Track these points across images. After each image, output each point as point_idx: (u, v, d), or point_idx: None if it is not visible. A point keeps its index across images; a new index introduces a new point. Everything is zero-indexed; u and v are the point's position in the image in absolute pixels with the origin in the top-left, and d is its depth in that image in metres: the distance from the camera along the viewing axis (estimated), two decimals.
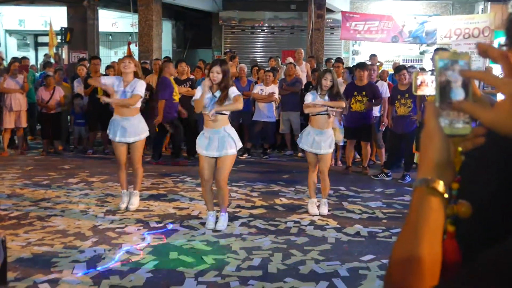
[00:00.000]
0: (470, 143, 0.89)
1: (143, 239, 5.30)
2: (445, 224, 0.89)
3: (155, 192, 7.26)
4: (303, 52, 12.65)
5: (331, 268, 4.60)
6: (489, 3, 15.59)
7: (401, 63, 12.36)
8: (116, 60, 10.72)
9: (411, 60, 16.30)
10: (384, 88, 9.35)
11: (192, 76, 10.88)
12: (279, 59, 13.05)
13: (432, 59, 8.23)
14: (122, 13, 17.42)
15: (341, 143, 9.30)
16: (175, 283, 4.23)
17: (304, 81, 10.97)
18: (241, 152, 8.85)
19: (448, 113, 0.86)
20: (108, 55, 19.13)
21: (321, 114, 6.23)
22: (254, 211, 6.40)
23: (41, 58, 18.02)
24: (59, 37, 15.01)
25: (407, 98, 8.17)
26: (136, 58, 13.23)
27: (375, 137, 9.13)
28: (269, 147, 10.84)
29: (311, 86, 9.47)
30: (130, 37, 17.30)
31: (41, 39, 20.35)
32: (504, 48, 0.99)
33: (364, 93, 8.63)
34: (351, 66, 12.05)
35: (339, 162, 9.62)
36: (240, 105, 5.52)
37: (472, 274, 0.77)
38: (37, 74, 13.27)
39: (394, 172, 8.60)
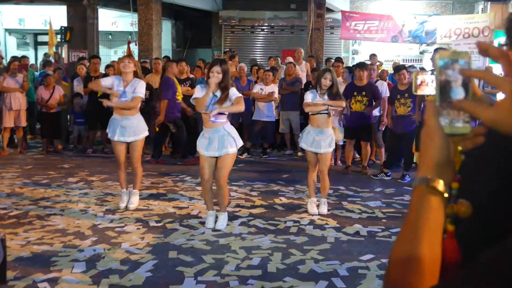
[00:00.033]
0: (470, 142, 0.89)
1: (143, 238, 5.30)
2: (445, 223, 0.89)
3: (154, 192, 7.26)
4: (303, 51, 12.66)
5: (331, 268, 4.60)
6: (489, 3, 15.58)
7: (401, 63, 12.37)
8: (116, 59, 10.71)
9: (411, 59, 16.31)
10: (384, 88, 9.35)
11: (191, 76, 10.89)
12: (278, 58, 13.05)
13: (432, 59, 8.23)
14: (121, 12, 17.42)
15: (341, 143, 9.30)
16: (174, 282, 4.23)
17: (304, 80, 10.97)
18: (240, 151, 8.86)
19: (448, 112, 0.86)
20: (108, 54, 19.13)
21: (321, 114, 6.23)
22: (254, 211, 6.40)
23: (40, 57, 18.01)
24: (58, 36, 15.02)
25: (407, 98, 8.18)
26: (136, 57, 13.26)
27: (375, 136, 9.13)
28: (269, 147, 10.84)
29: (310, 86, 9.47)
30: (130, 36, 17.30)
31: (41, 38, 20.36)
32: (504, 47, 0.99)
33: (364, 93, 8.63)
34: (351, 65, 12.04)
35: (339, 161, 9.63)
36: (242, 107, 5.52)
37: (472, 273, 0.77)
38: (37, 73, 13.26)
39: (393, 171, 8.61)
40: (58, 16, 15.72)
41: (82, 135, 10.87)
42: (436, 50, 8.38)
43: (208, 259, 4.73)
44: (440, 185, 0.87)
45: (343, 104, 6.38)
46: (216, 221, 5.67)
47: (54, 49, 15.31)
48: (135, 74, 6.29)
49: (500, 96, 7.86)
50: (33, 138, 12.12)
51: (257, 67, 11.50)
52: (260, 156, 10.39)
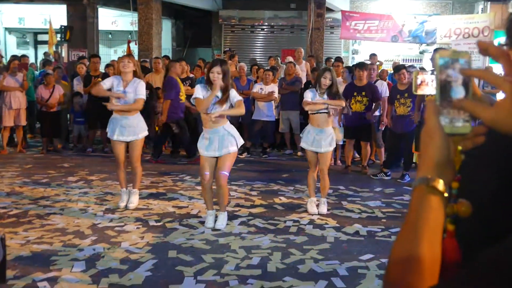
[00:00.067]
0: (470, 142, 0.89)
1: (142, 237, 5.30)
2: (445, 223, 0.89)
3: (154, 191, 7.26)
4: (303, 51, 12.66)
5: (330, 267, 4.60)
6: (489, 3, 15.58)
7: (401, 63, 12.37)
8: (116, 59, 10.72)
9: (410, 59, 16.30)
10: (383, 88, 9.35)
11: (191, 75, 10.89)
12: (278, 58, 13.06)
13: (432, 58, 8.23)
14: (121, 12, 17.42)
15: (340, 143, 9.30)
16: (174, 281, 4.24)
17: (304, 80, 10.97)
18: (240, 151, 8.86)
19: (449, 111, 0.86)
20: (108, 54, 19.12)
21: (321, 113, 6.23)
22: (254, 210, 6.40)
23: (40, 56, 18.01)
24: (58, 35, 15.01)
25: (407, 98, 8.17)
26: (136, 57, 13.27)
27: (375, 136, 9.13)
28: (269, 146, 10.84)
29: (310, 86, 9.46)
30: (129, 36, 17.31)
31: (41, 37, 20.34)
32: (505, 47, 0.99)
33: (363, 93, 8.63)
34: (351, 65, 12.04)
35: (339, 161, 9.63)
36: (242, 111, 5.55)
37: (472, 273, 0.77)
38: (37, 73, 13.26)
39: (393, 171, 8.61)
40: (58, 15, 15.72)
41: (82, 134, 10.87)
42: (435, 50, 8.38)
43: (207, 259, 4.73)
44: (440, 184, 0.87)
45: (343, 103, 6.38)
46: (215, 221, 5.67)
47: (54, 48, 15.30)
48: (135, 74, 6.29)
49: (500, 96, 7.86)
50: (33, 137, 12.13)
51: (257, 67, 11.50)
52: (260, 156, 10.39)
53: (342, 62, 10.82)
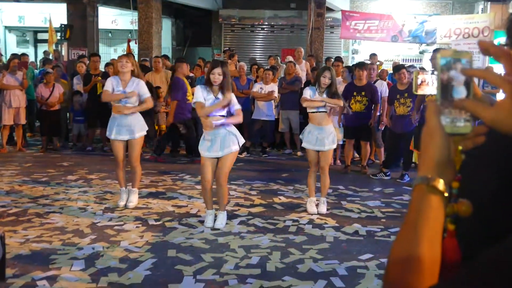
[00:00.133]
0: (470, 142, 0.89)
1: (142, 236, 5.30)
2: (445, 222, 0.89)
3: (154, 190, 7.26)
4: (302, 50, 12.66)
5: (330, 267, 4.60)
6: (489, 3, 15.58)
7: (401, 63, 12.37)
8: (116, 58, 10.74)
9: (410, 59, 16.31)
10: (383, 88, 9.35)
11: (191, 74, 10.89)
12: (278, 57, 13.06)
13: (431, 59, 8.24)
14: (122, 11, 17.42)
15: (340, 142, 9.30)
16: (173, 280, 4.24)
17: (304, 80, 10.97)
18: (240, 150, 8.86)
19: (450, 111, 0.86)
20: (108, 53, 19.14)
21: (320, 112, 6.23)
22: (253, 210, 6.40)
23: (40, 55, 18.02)
24: (58, 34, 15.01)
25: (406, 98, 8.17)
26: (136, 56, 13.28)
27: (374, 136, 9.13)
28: (268, 146, 10.84)
29: (310, 85, 9.46)
30: (129, 35, 17.32)
31: (41, 36, 20.35)
32: (505, 47, 0.99)
33: (363, 93, 8.63)
34: (351, 65, 12.05)
35: (338, 161, 9.62)
36: (241, 119, 5.65)
37: (472, 273, 0.77)
38: (37, 71, 13.26)
39: (393, 171, 8.61)
40: (58, 14, 15.72)
41: (82, 133, 10.87)
42: (435, 50, 8.39)
43: (207, 258, 4.73)
44: (441, 184, 0.87)
45: (340, 103, 6.35)
46: (215, 220, 5.67)
47: (54, 47, 15.31)
48: (133, 73, 6.31)
49: (500, 96, 7.86)
50: (32, 136, 12.12)
51: (257, 66, 11.50)
52: (259, 155, 10.39)
53: (342, 62, 10.82)
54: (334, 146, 6.38)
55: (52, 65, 11.79)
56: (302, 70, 11.70)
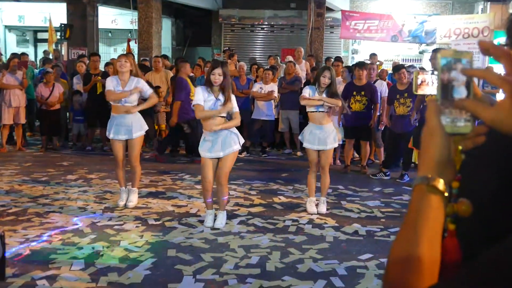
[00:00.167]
0: (470, 141, 0.89)
1: (141, 236, 5.30)
2: (445, 222, 0.89)
3: (153, 190, 7.26)
4: (302, 50, 12.67)
5: (329, 267, 4.60)
6: (489, 3, 15.59)
7: (401, 63, 12.37)
8: (116, 58, 10.74)
9: (410, 59, 16.31)
10: (383, 88, 9.35)
11: (191, 74, 10.88)
12: (278, 57, 13.06)
13: (431, 59, 8.24)
14: (121, 10, 17.42)
15: (340, 142, 9.30)
16: (173, 280, 4.24)
17: (304, 79, 10.97)
18: (240, 150, 8.86)
19: (450, 111, 0.86)
20: (108, 52, 19.13)
21: (319, 112, 6.22)
22: (253, 209, 6.40)
23: (40, 55, 18.02)
24: (58, 33, 15.01)
25: (406, 98, 8.17)
26: (136, 55, 13.28)
27: (374, 136, 9.13)
28: (268, 146, 10.84)
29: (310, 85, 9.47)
30: (129, 34, 17.31)
31: (41, 35, 20.34)
32: (505, 47, 0.99)
33: (363, 92, 8.63)
34: (351, 65, 12.05)
35: (338, 161, 9.62)
36: (239, 122, 5.67)
37: (472, 273, 0.77)
38: (36, 71, 13.26)
39: (392, 171, 8.61)
40: (58, 14, 15.71)
41: (82, 132, 10.87)
42: (435, 50, 8.38)
43: (206, 258, 4.73)
44: (441, 184, 0.87)
45: (339, 103, 6.32)
46: (215, 220, 5.67)
47: (53, 46, 15.31)
48: (131, 73, 6.33)
49: (500, 96, 7.86)
50: (32, 136, 12.12)
51: (256, 66, 11.50)
52: (259, 155, 10.39)
53: (342, 62, 10.83)
54: (336, 144, 6.41)
55: (52, 64, 11.78)
56: (302, 70, 11.70)
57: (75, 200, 6.60)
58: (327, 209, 6.39)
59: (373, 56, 12.40)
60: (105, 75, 9.41)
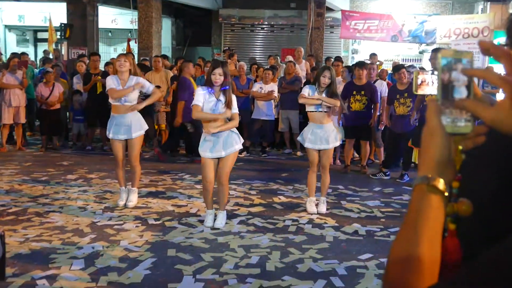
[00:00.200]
0: (470, 141, 0.89)
1: (141, 236, 5.30)
2: (446, 222, 0.89)
3: (153, 189, 7.26)
4: (302, 50, 12.67)
5: (329, 267, 4.60)
6: (489, 3, 15.59)
7: (401, 63, 12.37)
8: (115, 57, 10.74)
9: (410, 59, 16.31)
10: (383, 88, 9.35)
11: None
12: (278, 57, 13.06)
13: (430, 59, 8.24)
14: (121, 10, 17.42)
15: (340, 142, 9.29)
16: (173, 280, 4.24)
17: (304, 79, 10.97)
18: (240, 150, 8.87)
19: (451, 111, 0.86)
20: (108, 52, 19.13)
21: (318, 111, 6.22)
22: (253, 209, 6.40)
23: (40, 54, 18.01)
24: (58, 33, 15.01)
25: (406, 98, 8.17)
26: (136, 55, 13.28)
27: (374, 136, 9.13)
28: (268, 146, 10.84)
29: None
30: (129, 34, 17.31)
31: (41, 35, 20.35)
32: (505, 47, 0.99)
33: (362, 92, 8.63)
34: (351, 65, 12.05)
35: (338, 161, 9.62)
36: (237, 124, 5.63)
37: (472, 273, 0.77)
38: (36, 70, 13.25)
39: (392, 171, 8.61)
40: (58, 13, 15.72)
41: (82, 132, 10.87)
42: (434, 50, 8.38)
43: (206, 258, 4.73)
44: (441, 184, 0.87)
45: (337, 103, 6.30)
46: (215, 220, 5.67)
47: (53, 46, 15.31)
48: (130, 72, 6.34)
49: (500, 96, 7.86)
50: (32, 135, 12.12)
51: (256, 66, 11.50)
52: (259, 155, 10.39)
53: (342, 62, 10.83)
54: (338, 143, 6.43)
55: (51, 64, 11.78)
56: (302, 70, 11.70)
57: (75, 200, 6.60)
58: (327, 209, 6.39)
59: (373, 56, 12.40)
60: (105, 74, 9.41)
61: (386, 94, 8.98)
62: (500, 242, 0.77)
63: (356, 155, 9.85)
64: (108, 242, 5.06)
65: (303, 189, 7.23)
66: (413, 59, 16.37)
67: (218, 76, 5.37)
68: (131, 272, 4.36)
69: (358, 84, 8.70)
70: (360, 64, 9.00)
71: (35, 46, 21.11)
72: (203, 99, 5.43)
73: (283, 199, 6.96)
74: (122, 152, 6.39)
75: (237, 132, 5.64)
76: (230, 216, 6.00)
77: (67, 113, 11.50)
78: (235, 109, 5.53)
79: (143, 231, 5.45)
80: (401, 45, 16.41)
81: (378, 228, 5.79)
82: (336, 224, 5.89)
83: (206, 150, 5.51)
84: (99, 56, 11.10)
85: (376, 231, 5.67)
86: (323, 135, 6.19)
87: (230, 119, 5.51)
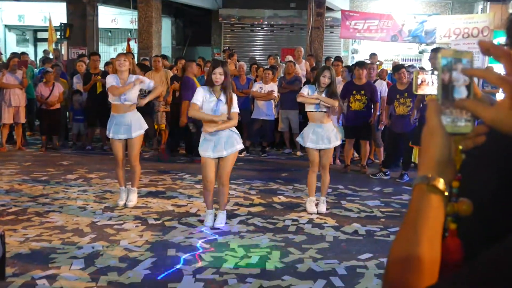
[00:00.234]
0: (471, 141, 0.90)
1: (141, 235, 5.30)
2: (446, 222, 0.89)
3: (153, 189, 7.26)
4: (302, 50, 12.66)
5: (329, 267, 4.60)
6: (488, 3, 15.59)
7: (400, 62, 12.37)
8: (115, 57, 10.74)
9: (410, 59, 16.31)
10: (383, 88, 9.35)
11: None
12: (278, 57, 13.06)
13: (430, 58, 8.24)
14: (121, 10, 17.42)
15: (340, 142, 9.28)
16: (173, 280, 4.24)
17: (304, 79, 10.97)
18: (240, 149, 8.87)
19: (451, 111, 0.86)
20: (108, 52, 19.12)
21: (318, 111, 6.22)
22: (253, 209, 6.40)
23: (40, 54, 18.01)
24: (58, 33, 15.01)
25: (406, 98, 8.17)
26: (136, 55, 13.27)
27: (374, 136, 9.14)
28: (268, 145, 10.84)
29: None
30: (129, 34, 17.32)
31: (41, 35, 20.35)
32: (505, 47, 0.99)
33: (362, 92, 8.63)
34: (351, 65, 12.05)
35: (338, 160, 9.62)
36: (236, 123, 5.62)
37: (472, 273, 0.77)
38: (36, 70, 13.25)
39: (392, 171, 8.61)
40: (57, 13, 15.72)
41: (81, 132, 10.87)
42: (434, 50, 8.38)
43: (206, 257, 4.73)
44: (441, 183, 0.87)
45: (335, 103, 6.29)
46: (215, 219, 5.67)
47: (53, 46, 15.31)
48: (130, 71, 6.36)
49: (500, 96, 7.85)
50: (32, 135, 12.12)
51: (256, 66, 11.50)
52: (259, 155, 10.39)
53: (342, 62, 10.83)
54: (338, 142, 6.43)
55: (51, 64, 11.78)
56: (302, 69, 11.69)
57: (75, 200, 6.60)
58: (327, 209, 6.39)
59: (373, 56, 12.40)
60: (105, 74, 9.40)
61: (386, 94, 8.98)
62: (500, 242, 0.77)
63: (356, 155, 9.85)
64: (108, 242, 5.06)
65: (303, 189, 7.23)
66: (413, 59, 16.37)
67: (218, 76, 5.37)
68: (131, 272, 4.36)
69: (358, 84, 8.70)
70: (360, 64, 8.99)
71: (35, 46, 21.11)
72: (202, 99, 5.42)
73: (283, 199, 6.96)
74: (122, 152, 6.39)
75: (238, 132, 5.64)
76: (230, 216, 6.00)
77: (67, 113, 11.50)
78: (235, 108, 5.52)
79: (143, 231, 5.45)
80: (401, 45, 16.41)
81: (378, 228, 5.79)
82: (336, 224, 5.89)
83: (207, 149, 5.50)
84: (99, 56, 11.10)
85: (376, 231, 5.67)
86: (324, 135, 6.20)
87: (229, 118, 5.50)
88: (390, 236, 5.51)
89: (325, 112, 6.23)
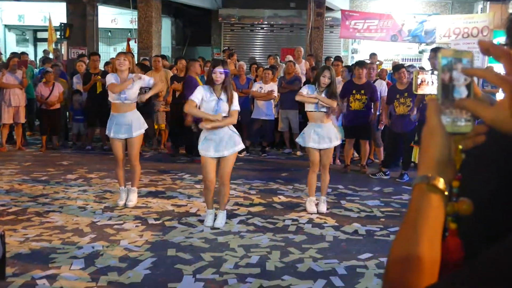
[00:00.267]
0: (471, 141, 0.90)
1: (141, 235, 5.30)
2: (447, 222, 0.89)
3: (153, 189, 7.26)
4: (302, 50, 12.66)
5: (329, 266, 4.60)
6: (488, 2, 15.59)
7: (400, 62, 12.37)
8: (115, 56, 10.73)
9: (410, 59, 16.31)
10: (383, 87, 9.35)
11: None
12: (278, 57, 13.06)
13: (430, 58, 8.24)
14: (121, 10, 17.42)
15: (340, 142, 9.28)
16: (173, 280, 4.24)
17: (303, 79, 10.97)
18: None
19: (451, 111, 0.87)
20: (108, 52, 19.12)
21: (318, 111, 6.23)
22: (253, 209, 6.40)
23: (40, 54, 18.01)
24: (58, 33, 15.01)
25: (406, 97, 8.16)
26: (136, 55, 13.27)
27: (374, 135, 9.14)
28: (268, 145, 10.83)
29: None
30: (129, 34, 17.31)
31: (40, 35, 20.36)
32: (505, 47, 0.99)
33: (362, 91, 8.63)
34: (350, 64, 12.05)
35: (338, 160, 9.62)
36: (235, 121, 5.60)
37: (472, 273, 0.77)
38: (36, 70, 13.25)
39: (392, 171, 8.61)
40: (57, 13, 15.72)
41: (81, 132, 10.87)
42: (433, 49, 8.39)
43: (206, 257, 4.73)
44: (441, 183, 0.87)
45: (334, 104, 6.27)
46: (215, 219, 5.67)
47: (53, 46, 15.31)
48: (129, 71, 6.37)
49: (500, 95, 7.85)
50: (32, 135, 12.12)
51: (256, 65, 11.50)
52: (259, 155, 10.39)
53: (342, 61, 10.82)
54: (338, 142, 6.44)
55: (51, 64, 11.78)
56: (302, 69, 11.69)
57: (75, 200, 6.60)
58: (327, 209, 6.39)
59: (373, 55, 12.41)
60: (105, 74, 9.39)
61: (386, 94, 8.98)
62: (500, 242, 0.77)
63: (356, 154, 9.85)
64: (108, 242, 5.06)
65: (303, 189, 7.23)
66: (412, 59, 16.37)
67: (219, 75, 5.37)
68: (131, 271, 4.36)
69: (357, 83, 8.69)
70: (360, 64, 8.99)
71: (35, 46, 21.11)
72: (201, 97, 5.42)
73: (283, 198, 6.96)
74: (122, 152, 6.39)
75: (237, 132, 5.64)
76: (230, 216, 6.00)
77: (67, 113, 11.50)
78: (236, 106, 5.52)
79: (143, 231, 5.45)
80: (401, 45, 16.41)
81: (378, 227, 5.79)
82: (336, 224, 5.89)
83: (208, 149, 5.49)
84: (99, 56, 11.09)
85: (376, 231, 5.67)
86: (325, 134, 6.20)
87: (227, 116, 5.49)
88: (390, 236, 5.51)
89: (325, 112, 6.23)
